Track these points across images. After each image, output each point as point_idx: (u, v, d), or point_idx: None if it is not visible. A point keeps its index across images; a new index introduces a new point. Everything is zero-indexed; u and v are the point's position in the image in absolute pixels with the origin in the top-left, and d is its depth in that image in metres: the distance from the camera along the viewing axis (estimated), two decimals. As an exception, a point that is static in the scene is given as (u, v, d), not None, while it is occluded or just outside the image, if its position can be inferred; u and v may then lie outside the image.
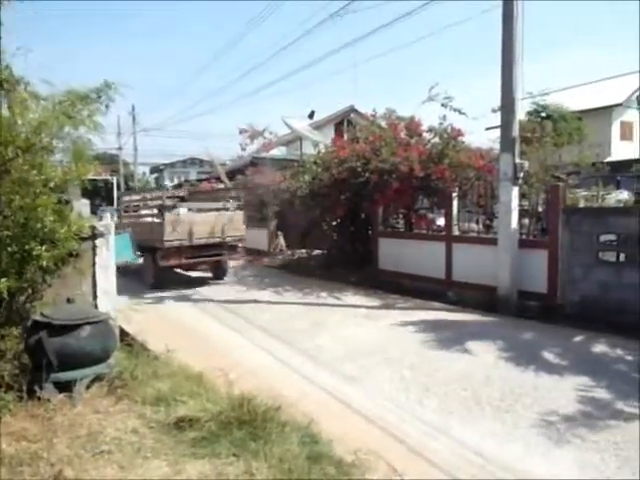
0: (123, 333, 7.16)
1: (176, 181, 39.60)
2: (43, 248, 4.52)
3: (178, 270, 11.44)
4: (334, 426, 4.04)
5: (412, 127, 10.12)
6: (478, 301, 8.22)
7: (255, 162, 19.02)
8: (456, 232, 9.22)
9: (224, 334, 7.03)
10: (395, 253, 10.35)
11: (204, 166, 43.57)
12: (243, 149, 14.54)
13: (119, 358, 5.10)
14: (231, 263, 14.34)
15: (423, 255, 9.67)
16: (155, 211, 10.99)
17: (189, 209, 10.98)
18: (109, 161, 40.39)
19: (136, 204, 12.55)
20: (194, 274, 12.03)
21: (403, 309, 8.19)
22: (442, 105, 9.32)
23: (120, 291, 6.22)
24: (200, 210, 11.00)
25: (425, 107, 10.05)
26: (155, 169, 49.65)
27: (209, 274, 11.70)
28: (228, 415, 3.89)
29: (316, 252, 13.13)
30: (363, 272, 10.70)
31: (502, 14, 7.53)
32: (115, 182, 33.44)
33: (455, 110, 9.30)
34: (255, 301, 9.05)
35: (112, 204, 35.69)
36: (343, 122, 21.52)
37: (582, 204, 8.28)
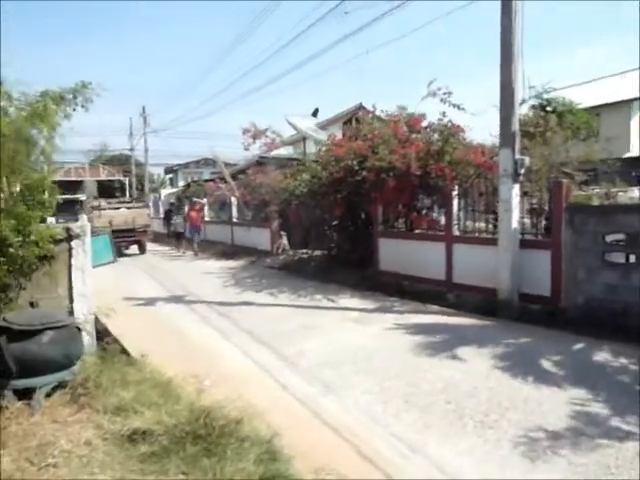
0: (105, 335, 7.00)
1: (189, 180, 39.63)
2: None
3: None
4: (300, 440, 3.75)
5: (413, 123, 9.75)
6: (478, 304, 7.84)
7: (261, 162, 18.83)
8: (456, 232, 8.85)
9: (208, 337, 6.79)
10: (395, 254, 10.00)
11: (217, 167, 43.68)
12: (246, 149, 14.37)
13: (90, 363, 4.88)
14: (232, 264, 14.25)
15: (423, 256, 9.31)
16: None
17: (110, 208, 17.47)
18: (124, 162, 40.78)
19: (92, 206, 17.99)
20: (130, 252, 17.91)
21: (399, 312, 7.84)
22: (441, 101, 8.94)
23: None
24: (116, 208, 17.65)
25: (431, 104, 9.69)
26: (169, 170, 49.86)
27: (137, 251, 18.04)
28: (183, 429, 3.64)
29: (317, 252, 12.84)
30: (363, 273, 10.38)
31: (501, 1, 7.15)
32: (127, 182, 33.78)
33: (454, 106, 8.91)
34: (247, 303, 8.80)
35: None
36: (351, 121, 21.15)
37: (595, 202, 7.83)
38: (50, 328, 4.36)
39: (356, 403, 4.46)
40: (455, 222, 8.86)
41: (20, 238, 4.90)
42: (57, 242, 5.50)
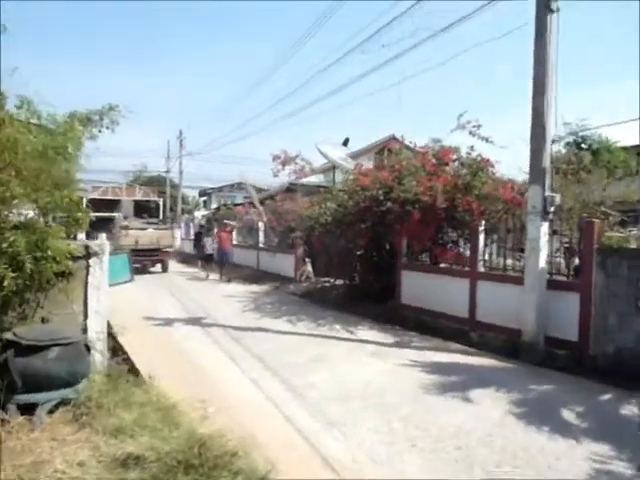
0: (119, 353, 7.03)
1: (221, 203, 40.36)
2: (9, 270, 4.37)
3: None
4: (296, 477, 3.59)
5: (442, 155, 9.64)
6: (501, 345, 7.51)
7: (291, 188, 19.00)
8: (482, 268, 8.58)
9: (219, 362, 6.71)
10: (418, 287, 9.77)
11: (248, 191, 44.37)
12: (275, 175, 14.50)
13: (97, 382, 4.87)
14: (255, 289, 14.23)
15: (446, 291, 9.05)
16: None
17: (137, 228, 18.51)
18: (161, 183, 41.91)
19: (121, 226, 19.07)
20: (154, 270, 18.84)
21: (416, 348, 7.59)
22: (470, 133, 8.82)
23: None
24: (143, 229, 18.60)
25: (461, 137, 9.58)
26: (203, 193, 50.99)
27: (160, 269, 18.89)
28: (176, 457, 3.53)
29: (340, 281, 12.70)
30: (384, 305, 10.16)
31: (534, 29, 7.02)
32: (161, 203, 34.62)
33: (483, 139, 8.77)
34: (263, 330, 8.70)
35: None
36: (383, 151, 21.20)
37: (633, 244, 7.46)
38: (57, 344, 4.37)
39: (360, 442, 4.26)
40: (481, 258, 8.60)
41: (38, 253, 4.97)
42: (75, 259, 5.59)
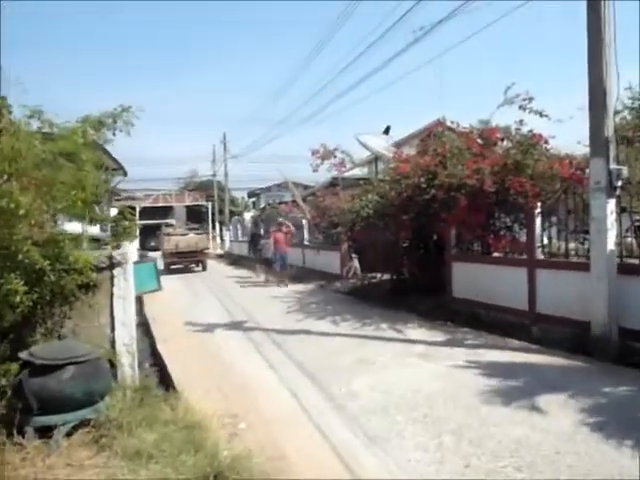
0: (157, 362, 6.82)
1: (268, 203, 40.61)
2: (21, 283, 4.15)
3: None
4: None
5: (487, 135, 8.82)
6: (567, 340, 6.69)
7: (335, 183, 18.51)
8: (540, 255, 7.75)
9: (257, 369, 6.35)
10: (470, 279, 9.03)
11: (297, 188, 44.38)
12: (314, 170, 14.04)
13: (120, 399, 4.62)
14: (300, 288, 13.88)
15: (502, 282, 8.27)
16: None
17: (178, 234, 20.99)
18: (211, 187, 42.69)
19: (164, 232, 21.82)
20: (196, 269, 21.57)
21: (471, 347, 6.92)
22: (520, 108, 7.96)
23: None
24: (183, 234, 21.00)
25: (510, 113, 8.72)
26: (252, 194, 51.53)
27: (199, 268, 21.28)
28: (191, 488, 3.16)
29: (387, 277, 12.09)
30: (434, 300, 9.49)
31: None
32: (210, 207, 35.24)
33: (536, 113, 7.87)
34: (306, 332, 8.28)
35: (206, 228, 37.66)
36: (429, 137, 20.24)
37: None
38: (72, 363, 4.12)
39: (404, 461, 3.73)
40: (539, 244, 7.77)
41: (59, 266, 4.77)
42: (100, 270, 5.38)
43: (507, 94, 8.25)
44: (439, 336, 7.59)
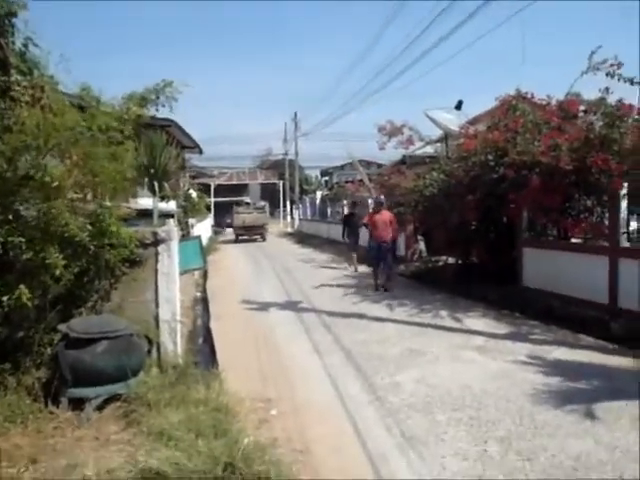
0: (208, 339, 6.84)
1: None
2: (60, 257, 4.17)
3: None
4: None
5: (568, 106, 7.85)
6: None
7: (404, 161, 17.81)
8: (625, 243, 6.85)
9: (302, 353, 6.16)
10: (543, 267, 8.24)
11: (370, 167, 43.74)
12: (381, 148, 13.49)
13: (154, 376, 4.61)
14: (362, 269, 13.44)
15: (579, 271, 7.45)
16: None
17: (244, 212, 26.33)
18: (284, 165, 43.20)
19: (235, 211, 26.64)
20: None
21: (536, 342, 6.27)
22: (607, 75, 6.95)
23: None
24: (249, 213, 26.37)
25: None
26: (325, 172, 51.49)
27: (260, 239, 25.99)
28: (201, 478, 3.00)
29: (452, 261, 11.42)
30: (503, 288, 8.78)
31: None
32: (282, 186, 35.57)
33: (625, 80, 6.83)
34: (359, 316, 7.97)
35: (278, 206, 38.00)
36: (508, 111, 18.82)
37: None
38: (105, 338, 4.12)
39: (440, 470, 3.36)
40: (624, 230, 6.86)
41: (102, 240, 4.81)
42: (145, 246, 5.40)
43: (591, 60, 7.26)
44: (502, 328, 6.98)
